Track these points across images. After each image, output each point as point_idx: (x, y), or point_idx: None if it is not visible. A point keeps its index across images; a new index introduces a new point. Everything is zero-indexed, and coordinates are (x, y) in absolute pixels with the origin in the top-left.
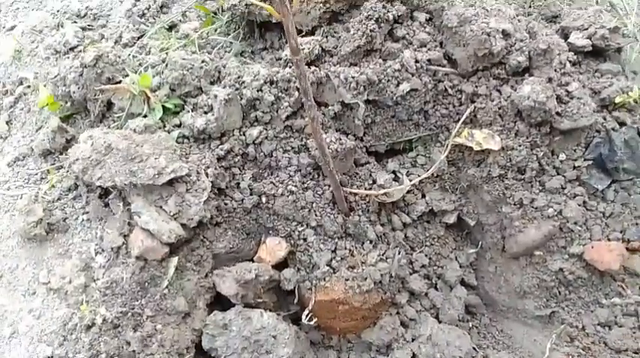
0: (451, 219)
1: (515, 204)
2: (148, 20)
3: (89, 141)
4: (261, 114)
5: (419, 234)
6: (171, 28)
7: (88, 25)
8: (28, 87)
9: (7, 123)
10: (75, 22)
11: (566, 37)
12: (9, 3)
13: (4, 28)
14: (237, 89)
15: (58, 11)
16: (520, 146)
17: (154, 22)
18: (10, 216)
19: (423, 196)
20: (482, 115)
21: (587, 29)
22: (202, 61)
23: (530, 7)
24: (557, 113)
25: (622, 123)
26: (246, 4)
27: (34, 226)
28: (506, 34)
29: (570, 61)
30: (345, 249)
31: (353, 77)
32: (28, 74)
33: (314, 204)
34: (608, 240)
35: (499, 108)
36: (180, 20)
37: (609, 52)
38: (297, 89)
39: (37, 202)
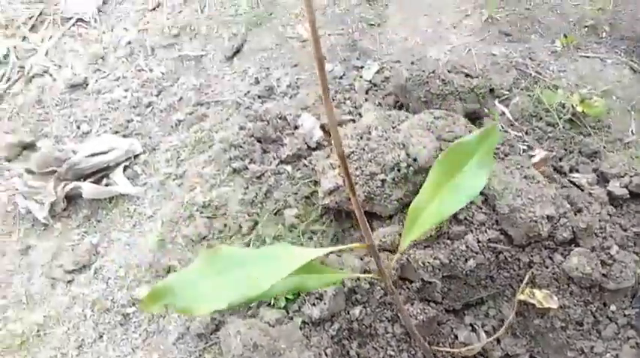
0: None
1: (577, 351)
2: (257, 206)
3: (238, 336)
4: (360, 296)
5: None
6: (277, 212)
7: (212, 215)
8: (174, 271)
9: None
10: (202, 212)
11: (605, 180)
12: (143, 192)
13: (145, 215)
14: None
15: (187, 202)
16: (575, 305)
17: (262, 208)
18: None
19: (498, 342)
20: (539, 279)
21: (623, 177)
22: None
23: (571, 143)
24: (604, 275)
25: None
26: (336, 202)
27: None
28: (550, 218)
29: (610, 214)
30: None
31: (429, 262)
32: (174, 261)
33: None
34: None
35: (553, 274)
36: (282, 205)
37: None
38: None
39: None
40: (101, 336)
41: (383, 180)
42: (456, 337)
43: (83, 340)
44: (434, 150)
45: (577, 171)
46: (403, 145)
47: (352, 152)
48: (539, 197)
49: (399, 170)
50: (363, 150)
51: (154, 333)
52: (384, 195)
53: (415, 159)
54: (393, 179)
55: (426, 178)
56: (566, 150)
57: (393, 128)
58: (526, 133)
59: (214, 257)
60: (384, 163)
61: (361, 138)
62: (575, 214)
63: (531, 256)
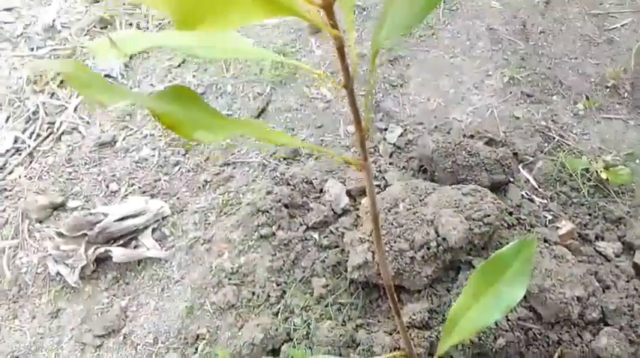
0: None
1: None
2: (285, 274)
3: None
4: None
5: None
6: (305, 280)
7: (240, 282)
8: (203, 339)
9: None
10: (230, 279)
11: (630, 248)
12: (171, 255)
13: (173, 280)
14: (370, 354)
15: (215, 267)
16: None
17: (289, 276)
18: None
19: None
20: (568, 357)
21: None
22: (340, 335)
23: (595, 209)
24: (632, 353)
25: None
26: (365, 276)
27: None
28: (579, 299)
29: (637, 288)
30: None
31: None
32: (202, 329)
33: None
34: None
35: (582, 353)
36: (310, 274)
37: None
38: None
39: None
40: None
41: (412, 258)
42: None
43: None
44: (464, 231)
45: (602, 239)
46: (432, 222)
47: (381, 226)
48: (569, 277)
49: (428, 248)
50: (392, 225)
51: None
52: (414, 272)
53: (444, 239)
54: (423, 257)
55: (464, 288)
56: (590, 215)
57: (421, 201)
58: (550, 199)
59: None
60: (413, 240)
61: (389, 211)
62: (604, 291)
63: (560, 334)
